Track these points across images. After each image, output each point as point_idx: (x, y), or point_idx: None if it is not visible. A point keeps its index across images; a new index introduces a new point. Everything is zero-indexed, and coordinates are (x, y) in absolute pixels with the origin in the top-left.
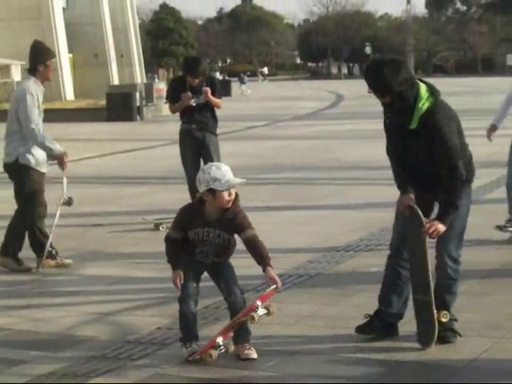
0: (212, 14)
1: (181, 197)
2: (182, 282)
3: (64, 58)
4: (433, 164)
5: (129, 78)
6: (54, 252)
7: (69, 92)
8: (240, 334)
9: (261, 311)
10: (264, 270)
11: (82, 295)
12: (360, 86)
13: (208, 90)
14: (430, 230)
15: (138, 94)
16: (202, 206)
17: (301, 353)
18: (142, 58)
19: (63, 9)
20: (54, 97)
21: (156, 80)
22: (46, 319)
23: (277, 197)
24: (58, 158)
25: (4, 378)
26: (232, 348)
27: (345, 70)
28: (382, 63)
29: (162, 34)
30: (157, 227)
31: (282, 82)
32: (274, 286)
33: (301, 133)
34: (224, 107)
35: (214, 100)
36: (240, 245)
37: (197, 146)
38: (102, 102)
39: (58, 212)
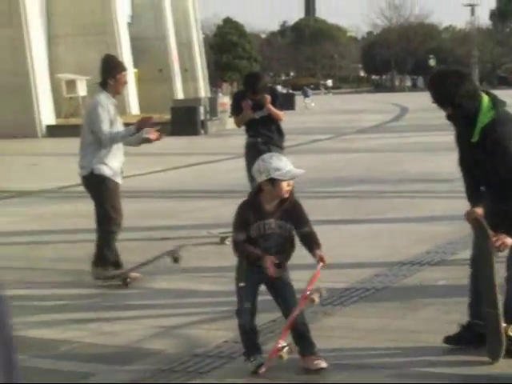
0: (275, 27)
1: None
2: (271, 264)
3: (129, 72)
4: (498, 176)
5: (193, 92)
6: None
7: (134, 106)
8: (305, 347)
9: (315, 295)
10: (314, 254)
11: (149, 309)
12: (424, 99)
13: (268, 97)
14: (497, 244)
15: (202, 108)
16: (259, 198)
17: (369, 366)
18: (206, 72)
19: (128, 24)
20: (120, 111)
21: (220, 94)
22: (114, 332)
23: (342, 210)
24: (139, 128)
25: None
26: (294, 349)
27: (408, 83)
28: (445, 74)
29: (226, 48)
30: (222, 241)
31: (345, 95)
32: (321, 264)
33: (365, 146)
34: (288, 120)
35: (275, 111)
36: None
37: None
38: (167, 117)
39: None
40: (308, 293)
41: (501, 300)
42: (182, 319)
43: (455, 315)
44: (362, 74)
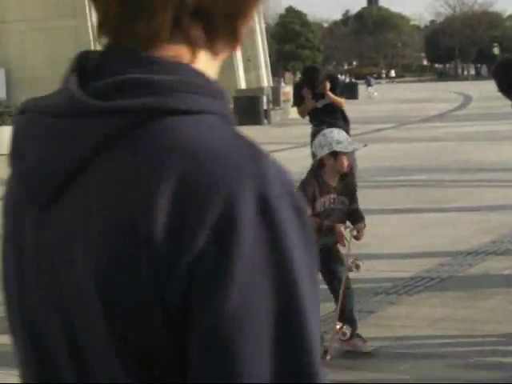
0: (338, 16)
1: None
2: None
3: None
4: None
5: (255, 82)
6: None
7: None
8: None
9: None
10: (356, 225)
11: None
12: (488, 87)
13: (327, 84)
14: None
15: (265, 98)
16: (321, 172)
17: (434, 356)
18: (269, 62)
19: None
20: None
21: (282, 84)
22: None
23: (406, 199)
24: None
25: None
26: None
27: (472, 71)
28: (511, 63)
29: (289, 38)
30: None
31: (408, 83)
32: (354, 233)
33: (429, 134)
34: (351, 109)
35: (335, 98)
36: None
37: None
38: (230, 106)
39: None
40: (350, 261)
41: None
42: None
43: None
44: (425, 62)
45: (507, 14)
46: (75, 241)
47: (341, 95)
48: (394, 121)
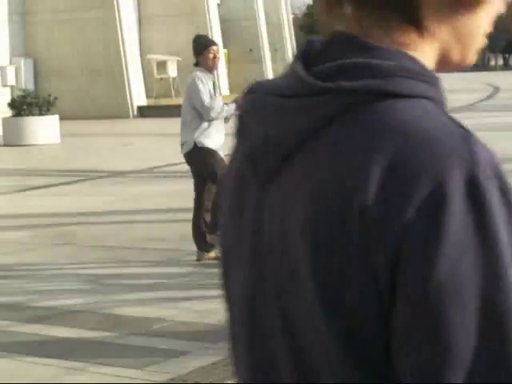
0: None
1: None
2: None
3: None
4: None
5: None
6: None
7: (224, 87)
8: None
9: None
10: None
11: None
12: None
13: None
14: None
15: None
16: None
17: None
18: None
19: (217, 5)
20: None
21: None
22: (206, 311)
23: None
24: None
25: (165, 368)
26: None
27: (500, 61)
28: None
29: (316, 29)
30: None
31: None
32: None
33: None
34: None
35: None
36: None
37: None
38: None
39: None
40: None
41: None
42: None
43: None
44: None
45: None
46: (290, 215)
47: None
48: None
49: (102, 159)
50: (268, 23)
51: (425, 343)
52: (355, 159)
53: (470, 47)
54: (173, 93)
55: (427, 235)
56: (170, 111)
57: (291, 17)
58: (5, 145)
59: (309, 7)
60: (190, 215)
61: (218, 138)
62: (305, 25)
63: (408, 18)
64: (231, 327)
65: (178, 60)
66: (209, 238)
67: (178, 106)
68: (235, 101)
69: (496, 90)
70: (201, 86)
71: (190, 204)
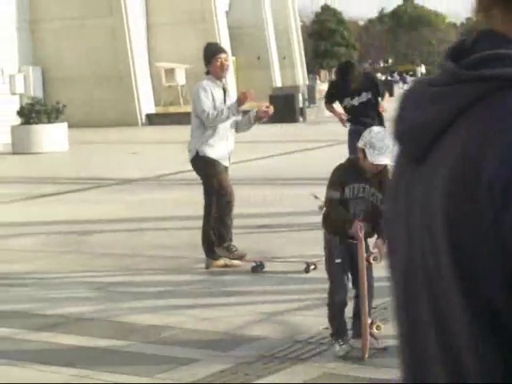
0: (373, 14)
1: None
2: (359, 229)
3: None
4: None
5: (291, 80)
6: (233, 249)
7: (232, 94)
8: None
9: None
10: (378, 239)
11: (249, 295)
12: None
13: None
14: None
15: (300, 96)
16: (359, 161)
17: None
18: (304, 60)
19: (226, 12)
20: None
21: (318, 82)
22: (214, 318)
23: None
24: (240, 103)
25: (174, 376)
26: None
27: None
28: None
29: (324, 36)
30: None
31: None
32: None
33: None
34: (387, 108)
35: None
36: None
37: None
38: (265, 104)
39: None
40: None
41: None
42: (282, 306)
43: None
44: None
45: None
46: (432, 195)
47: (382, 96)
48: None
49: (110, 167)
50: (276, 31)
51: None
52: (488, 139)
53: None
54: (181, 100)
55: None
56: (179, 119)
57: (299, 24)
58: (14, 153)
59: (317, 15)
60: (199, 223)
61: (223, 147)
62: (313, 32)
63: None
64: (394, 302)
65: (186, 68)
66: (217, 249)
67: (187, 114)
68: (238, 99)
69: None
70: (202, 95)
71: (198, 212)
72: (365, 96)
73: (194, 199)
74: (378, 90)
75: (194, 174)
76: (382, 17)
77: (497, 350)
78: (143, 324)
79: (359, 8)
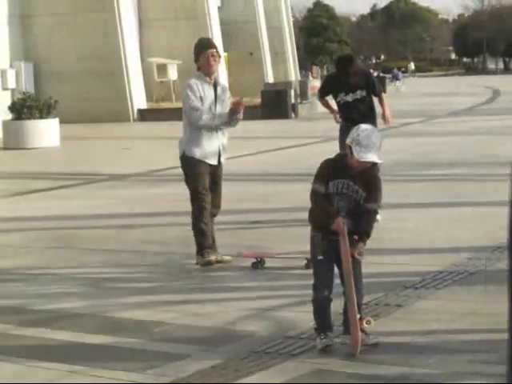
0: (365, 10)
1: None
2: (341, 224)
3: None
4: None
5: (283, 76)
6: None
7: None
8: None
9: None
10: (357, 242)
11: (240, 291)
12: None
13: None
14: None
15: (292, 92)
16: (345, 158)
17: (463, 350)
18: (296, 56)
19: (218, 8)
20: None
21: (310, 78)
22: (205, 314)
23: (435, 193)
24: (232, 111)
25: (165, 372)
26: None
27: (500, 65)
28: None
29: (317, 32)
30: None
31: (435, 78)
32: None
33: (457, 129)
34: (378, 104)
35: (387, 113)
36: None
37: None
38: (257, 100)
39: None
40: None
41: None
42: (273, 301)
43: None
44: (453, 56)
45: None
46: None
47: (378, 93)
48: (422, 115)
49: (101, 162)
50: (268, 26)
51: None
52: None
53: None
54: (173, 96)
55: None
56: (171, 115)
57: (291, 20)
58: (5, 148)
59: (309, 10)
60: (190, 219)
61: (208, 147)
62: (305, 27)
63: None
64: None
65: (178, 63)
66: (205, 251)
67: (179, 110)
68: (231, 110)
69: (496, 93)
70: (189, 93)
71: (190, 207)
72: (359, 93)
73: (185, 195)
74: (374, 87)
75: None
76: (374, 13)
77: None
78: (134, 319)
79: (351, 4)
